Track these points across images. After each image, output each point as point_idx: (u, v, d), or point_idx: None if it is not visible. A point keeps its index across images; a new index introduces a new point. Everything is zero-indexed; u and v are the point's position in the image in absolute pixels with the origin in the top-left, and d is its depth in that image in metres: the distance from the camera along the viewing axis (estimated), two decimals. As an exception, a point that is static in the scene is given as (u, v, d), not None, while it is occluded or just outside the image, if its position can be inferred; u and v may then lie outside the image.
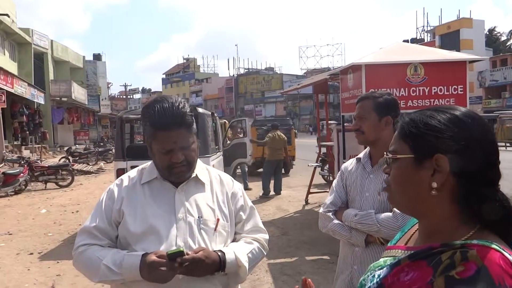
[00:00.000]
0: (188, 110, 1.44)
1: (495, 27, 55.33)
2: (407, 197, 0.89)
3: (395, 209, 1.85)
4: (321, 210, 2.12)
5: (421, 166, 0.85)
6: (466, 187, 0.83)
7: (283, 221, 7.31)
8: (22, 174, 11.36)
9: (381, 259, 0.95)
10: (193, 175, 1.54)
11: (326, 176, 10.41)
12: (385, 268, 0.89)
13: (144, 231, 1.45)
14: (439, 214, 0.86)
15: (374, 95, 2.07)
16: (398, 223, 1.79)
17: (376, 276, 0.90)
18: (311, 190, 8.84)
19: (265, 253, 1.67)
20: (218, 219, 1.52)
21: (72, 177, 12.90)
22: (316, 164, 9.11)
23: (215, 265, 1.42)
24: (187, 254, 1.36)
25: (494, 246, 0.78)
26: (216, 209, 1.53)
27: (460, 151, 0.82)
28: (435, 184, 0.83)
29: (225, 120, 13.64)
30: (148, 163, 1.59)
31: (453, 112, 0.86)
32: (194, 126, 1.48)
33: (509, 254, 0.77)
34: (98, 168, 17.63)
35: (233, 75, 67.55)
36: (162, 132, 1.40)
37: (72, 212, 8.65)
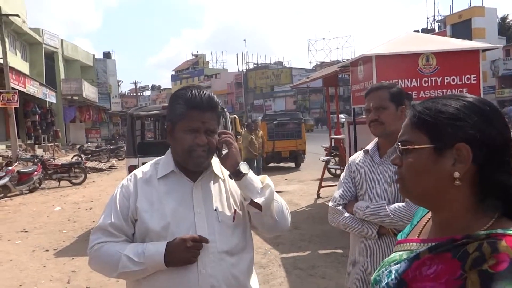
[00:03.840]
0: (219, 102, 1.51)
1: (507, 15, 54.25)
2: (425, 189, 0.86)
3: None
4: (330, 204, 2.09)
5: (441, 156, 0.82)
6: (486, 176, 0.81)
7: (295, 215, 7.29)
8: (36, 173, 11.51)
9: (395, 254, 0.92)
10: (209, 170, 1.53)
11: (335, 170, 10.36)
12: (402, 263, 0.86)
13: (164, 227, 1.43)
14: (458, 204, 0.83)
15: (385, 85, 2.04)
16: (411, 213, 1.74)
17: (394, 271, 0.87)
18: (323, 184, 8.81)
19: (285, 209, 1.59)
20: (235, 211, 1.51)
21: (85, 175, 13.06)
22: (328, 157, 9.07)
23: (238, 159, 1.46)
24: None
25: None
26: (232, 201, 1.53)
27: (481, 140, 0.79)
28: (457, 174, 0.80)
29: (235, 116, 13.63)
30: (161, 157, 1.57)
31: (469, 99, 0.83)
32: (222, 119, 1.51)
33: None
34: (110, 165, 17.81)
35: (242, 70, 67.23)
36: (194, 111, 1.43)
37: (86, 209, 8.75)
